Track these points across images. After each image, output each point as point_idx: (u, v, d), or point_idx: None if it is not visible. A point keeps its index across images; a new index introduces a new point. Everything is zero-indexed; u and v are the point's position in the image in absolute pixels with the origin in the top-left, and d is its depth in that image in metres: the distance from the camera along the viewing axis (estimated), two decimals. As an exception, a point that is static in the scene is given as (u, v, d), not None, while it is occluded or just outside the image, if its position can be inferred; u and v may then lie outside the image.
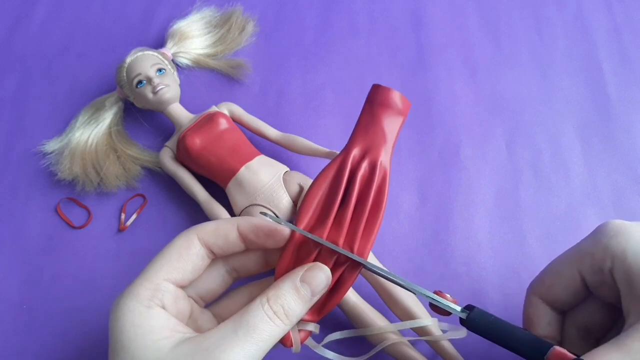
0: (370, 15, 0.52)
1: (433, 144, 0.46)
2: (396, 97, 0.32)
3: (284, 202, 0.39)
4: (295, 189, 0.40)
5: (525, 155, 0.45)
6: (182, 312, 0.30)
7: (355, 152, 0.32)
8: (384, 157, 0.32)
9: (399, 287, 0.37)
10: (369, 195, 0.31)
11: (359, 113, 0.33)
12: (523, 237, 0.42)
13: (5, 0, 0.54)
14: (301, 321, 0.30)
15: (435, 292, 0.30)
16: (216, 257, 0.31)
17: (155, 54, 0.45)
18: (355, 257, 0.30)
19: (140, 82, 0.43)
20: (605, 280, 0.29)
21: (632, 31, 0.51)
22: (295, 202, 0.40)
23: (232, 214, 0.40)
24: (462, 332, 0.32)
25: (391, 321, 0.37)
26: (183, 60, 0.48)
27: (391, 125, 0.32)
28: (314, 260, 0.30)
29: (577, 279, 0.30)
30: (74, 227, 0.43)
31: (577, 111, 0.47)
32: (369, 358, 0.36)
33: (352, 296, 0.37)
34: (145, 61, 0.43)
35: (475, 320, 0.29)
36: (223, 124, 0.42)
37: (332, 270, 0.30)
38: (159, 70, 0.43)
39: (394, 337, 0.36)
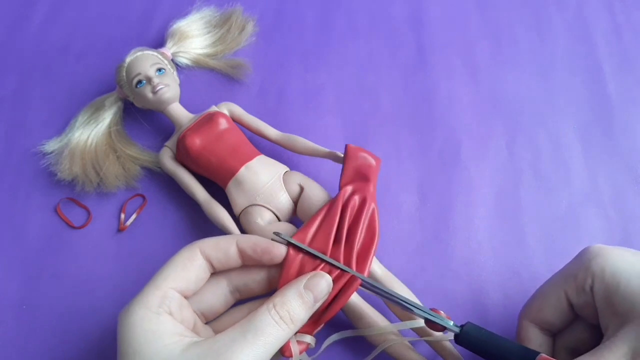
0: (370, 15, 0.52)
1: (433, 144, 0.46)
2: (365, 153, 0.39)
3: (284, 202, 0.39)
4: (295, 189, 0.40)
5: (525, 155, 0.45)
6: (187, 320, 0.31)
7: (344, 191, 0.37)
8: (371, 192, 0.38)
9: (399, 287, 0.37)
10: (360, 222, 0.36)
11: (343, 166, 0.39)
12: (523, 237, 0.42)
13: (5, 0, 0.54)
14: (299, 333, 0.32)
15: (431, 309, 0.33)
16: (215, 270, 0.33)
17: (155, 53, 0.44)
18: (355, 272, 0.33)
19: (139, 81, 0.43)
20: (588, 300, 0.31)
21: (632, 31, 0.51)
22: (295, 202, 0.40)
23: (232, 214, 0.40)
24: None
25: (391, 321, 0.37)
26: (183, 60, 0.48)
27: (369, 169, 0.39)
28: None
29: (563, 301, 0.32)
30: (73, 227, 0.43)
31: (577, 111, 0.47)
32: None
33: (353, 297, 0.37)
34: (145, 61, 0.43)
35: (468, 333, 0.31)
36: (223, 123, 0.42)
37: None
38: (159, 70, 0.43)
39: (394, 338, 0.36)
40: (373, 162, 0.39)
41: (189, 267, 0.31)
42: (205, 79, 0.49)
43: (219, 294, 0.33)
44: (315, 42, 0.51)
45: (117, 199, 0.44)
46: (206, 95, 0.48)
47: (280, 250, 0.33)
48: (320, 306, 0.32)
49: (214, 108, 0.44)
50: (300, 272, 0.33)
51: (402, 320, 0.36)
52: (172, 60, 0.47)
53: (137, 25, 0.52)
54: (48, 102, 0.48)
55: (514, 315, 0.36)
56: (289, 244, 0.34)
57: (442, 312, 0.32)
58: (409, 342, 0.36)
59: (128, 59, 0.44)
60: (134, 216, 0.43)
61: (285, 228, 0.38)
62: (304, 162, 0.44)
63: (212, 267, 0.33)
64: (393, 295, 0.33)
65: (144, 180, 0.44)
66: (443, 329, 0.32)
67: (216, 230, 0.41)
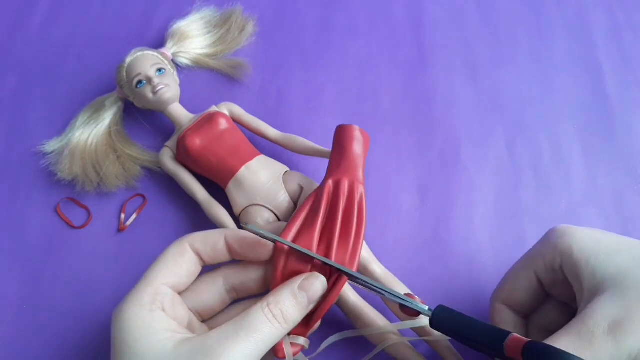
0: (370, 15, 0.52)
1: (433, 144, 0.46)
2: (357, 131, 0.38)
3: (284, 202, 0.39)
4: (295, 189, 0.40)
5: (525, 155, 0.45)
6: (180, 317, 0.31)
7: (330, 182, 0.36)
8: (360, 178, 0.37)
9: (399, 287, 0.37)
10: (353, 212, 0.35)
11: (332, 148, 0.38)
12: (523, 237, 0.42)
13: (5, 0, 0.54)
14: (292, 335, 0.32)
15: (406, 294, 0.32)
16: (206, 264, 0.33)
17: (155, 54, 0.45)
18: (340, 266, 0.32)
19: (140, 82, 0.43)
20: (557, 278, 0.32)
21: (632, 31, 0.51)
22: (295, 202, 0.40)
23: (232, 214, 0.40)
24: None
25: (391, 321, 0.37)
26: (183, 60, 0.48)
27: (358, 152, 0.38)
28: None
29: (533, 281, 0.33)
30: (74, 227, 0.43)
31: (577, 111, 0.47)
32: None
33: (352, 296, 0.37)
34: (145, 61, 0.43)
35: (439, 316, 0.31)
36: (223, 124, 0.42)
37: None
38: (159, 70, 0.43)
39: (393, 337, 0.36)
40: (363, 142, 0.38)
41: (180, 261, 0.31)
42: (205, 79, 0.49)
43: (215, 293, 0.33)
44: (315, 42, 0.51)
45: (117, 199, 0.44)
46: (206, 95, 0.48)
47: (266, 247, 0.33)
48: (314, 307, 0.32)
49: (214, 108, 0.44)
50: (289, 269, 0.33)
51: (402, 320, 0.36)
52: (172, 60, 0.47)
53: (137, 26, 0.52)
54: (48, 102, 0.48)
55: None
56: (272, 240, 0.33)
57: (417, 297, 0.32)
58: (409, 342, 0.36)
59: (128, 59, 0.44)
60: (134, 216, 0.43)
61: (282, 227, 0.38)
62: (304, 162, 0.44)
63: (202, 261, 0.33)
64: (370, 284, 0.32)
65: (144, 180, 0.44)
66: (418, 314, 0.32)
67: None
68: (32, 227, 0.43)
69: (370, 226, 0.42)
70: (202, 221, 0.42)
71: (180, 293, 0.32)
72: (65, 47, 0.51)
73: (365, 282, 0.32)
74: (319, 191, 0.36)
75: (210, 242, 0.32)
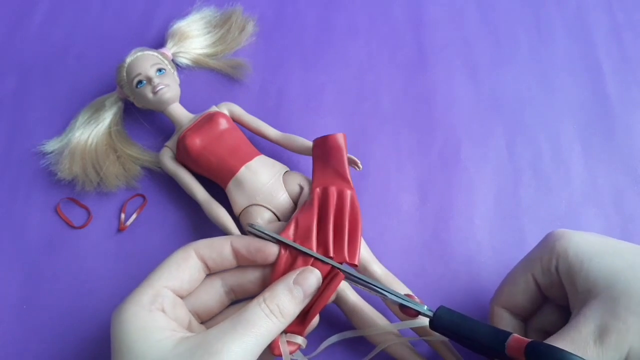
0: (370, 15, 0.52)
1: (433, 144, 0.46)
2: (332, 138, 0.39)
3: (284, 202, 0.39)
4: (295, 189, 0.40)
5: (525, 155, 0.45)
6: (181, 318, 0.31)
7: (318, 190, 0.38)
8: (346, 183, 0.38)
9: (399, 287, 0.37)
10: (344, 214, 0.36)
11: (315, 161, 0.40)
12: (523, 237, 0.42)
13: (5, 0, 0.54)
14: (289, 333, 0.33)
15: (406, 295, 0.33)
16: (210, 271, 0.33)
17: (155, 54, 0.44)
18: (340, 266, 0.33)
19: (140, 82, 0.43)
20: (554, 281, 0.32)
21: (632, 31, 0.51)
22: (295, 202, 0.40)
23: (232, 214, 0.40)
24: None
25: (391, 321, 0.37)
26: (183, 60, 0.48)
27: (338, 159, 0.39)
28: None
29: (531, 284, 0.33)
30: (73, 227, 0.43)
31: (577, 111, 0.47)
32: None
33: (351, 296, 0.37)
34: (145, 61, 0.43)
35: (440, 317, 0.31)
36: (223, 124, 0.42)
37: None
38: (159, 70, 0.43)
39: (393, 337, 0.36)
40: (340, 147, 0.39)
41: (183, 267, 0.32)
42: (206, 79, 0.49)
43: (213, 294, 0.33)
44: (315, 42, 0.51)
45: (117, 199, 0.44)
46: (206, 95, 0.48)
47: (273, 250, 0.33)
48: (310, 302, 0.33)
49: (214, 108, 0.44)
50: (289, 269, 0.33)
51: (402, 320, 0.36)
52: (173, 60, 0.47)
53: (137, 26, 0.52)
54: (48, 102, 0.48)
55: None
56: (277, 240, 0.34)
57: (416, 297, 0.33)
58: (409, 342, 0.36)
59: (128, 59, 0.44)
60: (134, 216, 0.43)
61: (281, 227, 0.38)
62: (304, 162, 0.44)
63: (207, 267, 0.33)
64: (369, 283, 0.33)
65: (144, 180, 0.44)
66: (417, 314, 0.32)
67: (216, 230, 0.41)
68: (32, 227, 0.43)
69: (370, 226, 0.42)
70: (202, 221, 0.42)
71: (182, 298, 0.32)
72: (65, 47, 0.51)
73: (366, 282, 0.33)
74: (309, 200, 0.37)
75: (216, 249, 0.33)
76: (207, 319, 0.34)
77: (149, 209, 0.43)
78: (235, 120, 0.44)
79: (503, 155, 0.45)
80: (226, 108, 0.44)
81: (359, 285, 0.33)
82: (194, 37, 0.49)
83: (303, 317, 0.33)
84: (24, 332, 0.39)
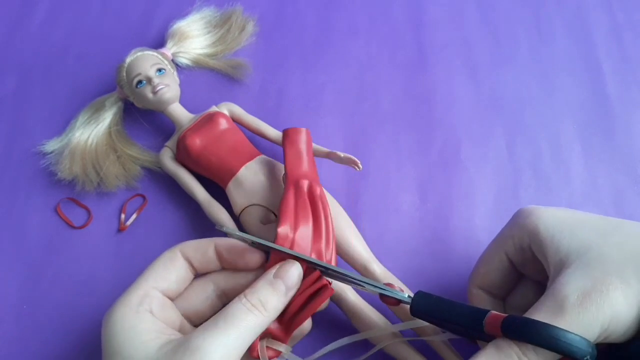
0: (370, 15, 0.52)
1: (433, 144, 0.46)
2: (303, 133, 0.40)
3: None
4: (295, 189, 0.40)
5: (525, 155, 0.45)
6: (170, 320, 0.31)
7: (291, 187, 0.37)
8: (317, 178, 0.38)
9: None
10: (319, 210, 0.36)
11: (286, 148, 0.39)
12: (523, 237, 0.42)
13: (5, 0, 0.54)
14: (272, 339, 0.32)
15: (386, 284, 0.32)
16: (197, 272, 0.33)
17: (155, 54, 0.45)
18: (323, 263, 0.32)
19: (140, 82, 0.43)
20: (527, 257, 0.32)
21: (632, 31, 0.51)
22: (295, 202, 0.40)
23: (232, 214, 0.40)
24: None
25: (390, 320, 0.37)
26: (183, 60, 0.48)
27: (302, 149, 0.39)
28: None
29: (505, 262, 0.34)
30: (74, 227, 0.43)
31: (577, 111, 0.47)
32: (368, 358, 0.36)
33: (351, 295, 0.37)
34: (145, 61, 0.43)
35: (418, 302, 0.31)
36: (223, 124, 0.42)
37: (304, 286, 0.32)
38: (159, 70, 0.43)
39: (392, 337, 0.36)
40: (303, 138, 0.39)
41: (170, 267, 0.32)
42: (206, 79, 0.49)
43: (204, 297, 0.33)
44: (315, 42, 0.51)
45: (117, 199, 0.44)
46: (206, 95, 0.48)
47: (254, 257, 0.33)
48: (291, 310, 0.32)
49: (214, 108, 0.44)
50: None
51: (401, 320, 0.36)
52: (172, 60, 0.47)
53: (137, 26, 0.52)
54: (48, 102, 0.48)
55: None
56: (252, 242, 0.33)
57: (396, 285, 0.32)
58: (409, 341, 0.36)
59: (128, 59, 0.44)
60: (134, 216, 0.43)
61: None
62: (304, 162, 0.44)
63: (193, 268, 0.33)
64: (346, 275, 0.32)
65: (144, 180, 0.44)
66: (398, 302, 0.32)
67: (216, 230, 0.41)
68: (32, 227, 0.43)
69: (370, 226, 0.42)
70: (202, 221, 0.42)
71: (172, 300, 0.32)
72: (66, 47, 0.51)
73: (342, 274, 0.32)
74: (286, 195, 0.37)
75: (201, 250, 0.32)
76: (199, 322, 0.33)
77: (149, 209, 0.43)
78: (235, 120, 0.44)
79: (503, 155, 0.45)
80: (226, 108, 0.44)
81: (337, 280, 0.32)
82: (194, 37, 0.49)
83: (288, 325, 0.32)
84: (24, 332, 0.39)
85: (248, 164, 0.40)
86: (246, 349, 0.29)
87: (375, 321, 0.36)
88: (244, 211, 0.39)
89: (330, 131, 0.46)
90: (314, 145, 0.42)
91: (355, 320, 0.37)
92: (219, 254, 0.33)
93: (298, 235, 0.34)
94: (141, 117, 0.46)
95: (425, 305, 0.31)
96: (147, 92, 0.43)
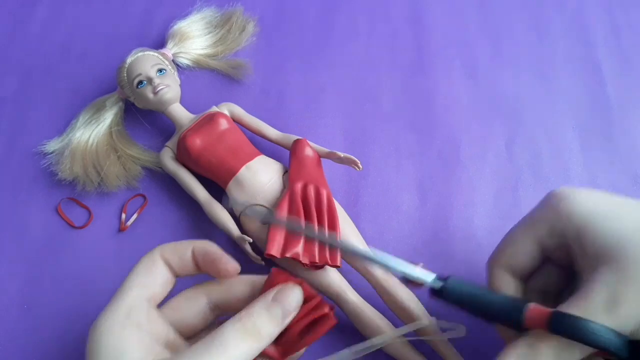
0: (370, 15, 0.52)
1: (433, 144, 0.46)
2: (299, 142, 0.41)
3: (284, 202, 0.39)
4: (295, 189, 0.40)
5: (525, 155, 0.45)
6: (157, 333, 0.29)
7: (297, 186, 0.38)
8: (322, 181, 0.40)
9: (399, 288, 0.37)
10: (323, 209, 0.37)
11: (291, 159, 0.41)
12: (523, 237, 0.42)
13: (6, 0, 0.54)
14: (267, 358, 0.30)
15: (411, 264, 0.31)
16: (177, 275, 0.31)
17: (156, 54, 0.45)
18: (334, 241, 0.33)
19: (140, 82, 0.43)
20: (560, 242, 0.31)
21: (631, 32, 0.51)
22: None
23: (233, 214, 0.40)
24: (461, 331, 0.32)
25: (390, 320, 0.37)
26: (183, 60, 0.48)
27: (309, 158, 0.41)
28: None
29: (533, 245, 0.32)
30: (74, 227, 0.43)
31: (577, 111, 0.47)
32: (367, 356, 0.36)
33: (352, 296, 0.37)
34: (145, 61, 0.43)
35: (450, 286, 0.30)
36: (223, 124, 0.42)
37: (303, 312, 0.30)
38: (160, 70, 0.43)
39: (392, 337, 0.36)
40: (310, 150, 0.41)
41: (153, 270, 0.30)
42: (206, 80, 0.49)
43: (196, 310, 0.32)
44: (315, 42, 0.51)
45: (118, 199, 0.44)
46: (207, 95, 0.48)
47: (228, 266, 0.31)
48: (289, 335, 0.30)
49: (214, 108, 0.44)
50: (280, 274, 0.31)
51: (401, 319, 0.37)
52: (173, 60, 0.47)
53: (137, 26, 0.52)
54: (49, 102, 0.48)
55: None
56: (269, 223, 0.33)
57: (420, 264, 0.31)
58: (409, 341, 0.36)
59: (129, 60, 0.44)
60: (134, 216, 0.43)
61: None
62: (304, 162, 0.44)
63: (174, 271, 0.31)
64: (368, 256, 0.31)
65: (144, 180, 0.44)
66: (421, 285, 0.31)
67: (216, 230, 0.41)
68: (33, 227, 0.43)
69: (370, 226, 0.42)
70: (203, 221, 0.42)
71: (158, 305, 0.31)
72: (66, 47, 0.51)
73: (364, 254, 0.31)
74: (291, 194, 0.38)
75: (179, 252, 0.31)
76: (191, 335, 0.32)
77: (150, 209, 0.43)
78: (236, 121, 0.44)
79: (503, 155, 0.45)
80: (226, 108, 0.44)
81: (358, 258, 0.31)
82: (194, 38, 0.49)
83: (284, 349, 0.30)
84: (24, 332, 0.39)
85: (248, 164, 0.40)
86: None
87: (375, 321, 0.36)
88: (244, 211, 0.39)
89: (330, 131, 0.46)
90: (313, 144, 0.42)
91: (356, 321, 0.37)
92: (195, 259, 0.31)
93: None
94: (142, 117, 0.46)
95: (457, 289, 0.30)
96: (148, 92, 0.43)
